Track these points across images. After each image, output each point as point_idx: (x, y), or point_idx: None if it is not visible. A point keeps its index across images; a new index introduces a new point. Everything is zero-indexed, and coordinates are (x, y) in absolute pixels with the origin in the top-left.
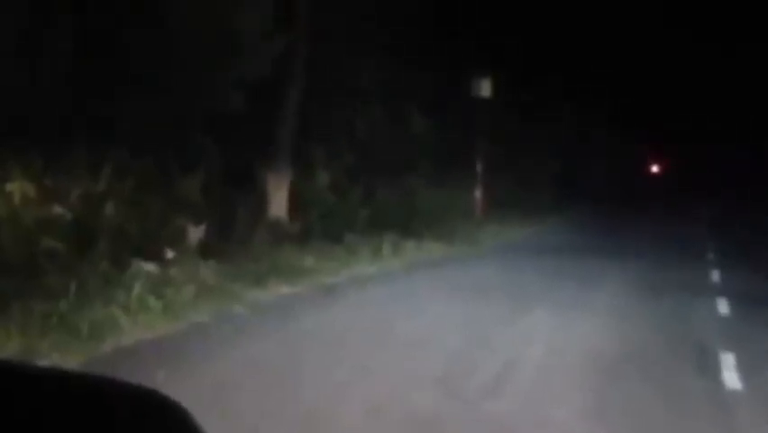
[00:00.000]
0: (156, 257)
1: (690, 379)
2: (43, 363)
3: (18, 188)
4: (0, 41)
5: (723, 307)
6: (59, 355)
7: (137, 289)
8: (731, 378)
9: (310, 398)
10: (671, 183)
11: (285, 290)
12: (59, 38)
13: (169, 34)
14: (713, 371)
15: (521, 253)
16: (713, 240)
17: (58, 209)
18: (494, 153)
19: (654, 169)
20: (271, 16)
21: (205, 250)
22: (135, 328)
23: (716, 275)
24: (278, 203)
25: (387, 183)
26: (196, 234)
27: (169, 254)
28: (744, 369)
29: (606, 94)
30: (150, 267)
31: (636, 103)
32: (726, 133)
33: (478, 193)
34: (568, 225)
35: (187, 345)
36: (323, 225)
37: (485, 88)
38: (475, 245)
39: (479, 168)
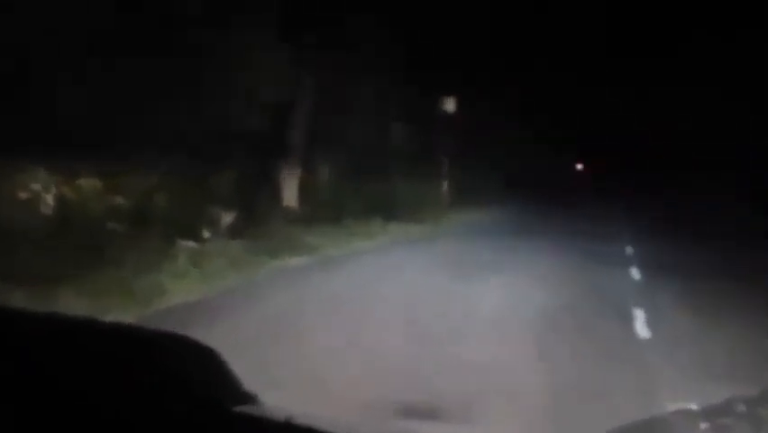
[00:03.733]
0: (196, 237)
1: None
2: (107, 318)
3: (86, 183)
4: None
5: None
6: (121, 313)
7: (181, 261)
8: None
9: (313, 336)
10: (593, 180)
11: (295, 261)
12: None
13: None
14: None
15: (477, 231)
16: (628, 221)
17: (119, 199)
18: (458, 156)
19: (579, 167)
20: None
21: (234, 231)
22: (179, 291)
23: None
24: (290, 195)
25: (375, 179)
26: (226, 219)
27: (206, 234)
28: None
29: (541, 110)
30: (191, 244)
31: (565, 120)
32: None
33: (444, 186)
34: (513, 212)
35: (219, 304)
36: (324, 211)
37: (450, 105)
38: (442, 226)
39: (444, 168)
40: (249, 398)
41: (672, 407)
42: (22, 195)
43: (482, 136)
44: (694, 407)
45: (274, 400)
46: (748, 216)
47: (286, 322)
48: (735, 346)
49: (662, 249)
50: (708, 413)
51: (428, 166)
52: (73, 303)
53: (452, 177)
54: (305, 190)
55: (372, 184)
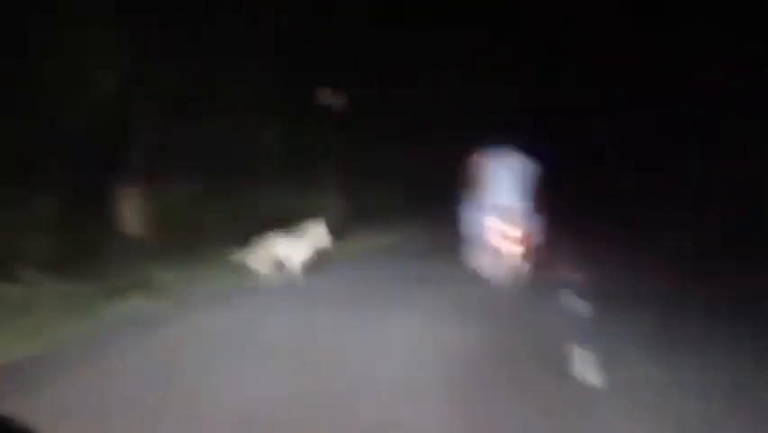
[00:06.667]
0: (8, 277)
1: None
2: None
3: None
4: None
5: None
6: None
7: None
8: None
9: (166, 410)
10: None
11: (142, 303)
12: None
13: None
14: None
15: (384, 257)
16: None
17: None
18: (350, 160)
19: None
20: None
21: (61, 268)
22: None
23: None
24: (132, 218)
25: (246, 194)
26: (49, 252)
27: (23, 274)
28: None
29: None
30: (2, 288)
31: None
32: None
33: (332, 201)
34: (424, 230)
35: (42, 367)
36: (180, 238)
37: (335, 95)
38: (337, 252)
39: (333, 175)
40: None
41: None
42: None
43: (381, 133)
44: None
45: None
46: None
47: (120, 385)
48: None
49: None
50: None
51: (315, 175)
52: None
53: (342, 188)
54: (152, 212)
55: (243, 201)
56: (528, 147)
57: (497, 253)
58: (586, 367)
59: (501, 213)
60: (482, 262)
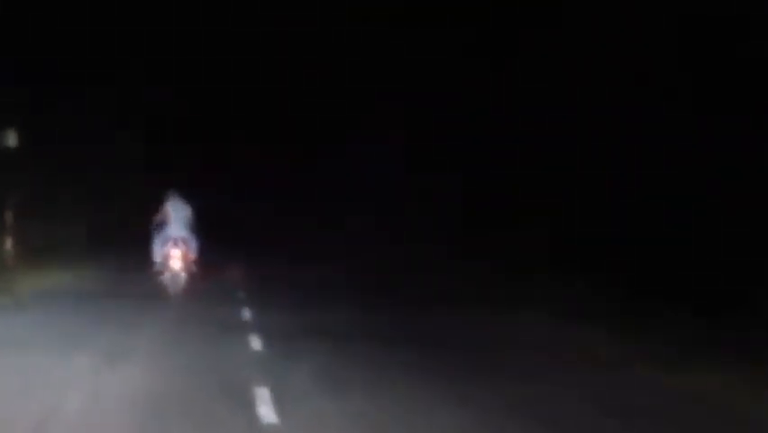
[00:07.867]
0: None
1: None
2: None
3: None
4: None
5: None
6: None
7: None
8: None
9: None
10: None
11: None
12: None
13: None
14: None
15: (61, 300)
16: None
17: None
18: (27, 203)
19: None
20: None
21: None
22: None
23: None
24: None
25: None
26: None
27: None
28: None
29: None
30: None
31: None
32: None
33: (9, 243)
34: (105, 271)
35: None
36: None
37: (12, 139)
38: (12, 296)
39: (8, 218)
40: None
41: None
42: None
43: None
44: None
45: None
46: None
47: None
48: None
49: None
50: None
51: None
52: None
53: (19, 231)
54: None
55: None
56: (197, 194)
57: (173, 270)
58: (262, 403)
59: (176, 241)
60: (164, 279)
